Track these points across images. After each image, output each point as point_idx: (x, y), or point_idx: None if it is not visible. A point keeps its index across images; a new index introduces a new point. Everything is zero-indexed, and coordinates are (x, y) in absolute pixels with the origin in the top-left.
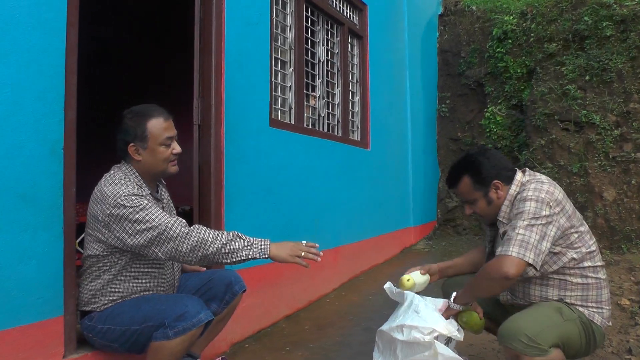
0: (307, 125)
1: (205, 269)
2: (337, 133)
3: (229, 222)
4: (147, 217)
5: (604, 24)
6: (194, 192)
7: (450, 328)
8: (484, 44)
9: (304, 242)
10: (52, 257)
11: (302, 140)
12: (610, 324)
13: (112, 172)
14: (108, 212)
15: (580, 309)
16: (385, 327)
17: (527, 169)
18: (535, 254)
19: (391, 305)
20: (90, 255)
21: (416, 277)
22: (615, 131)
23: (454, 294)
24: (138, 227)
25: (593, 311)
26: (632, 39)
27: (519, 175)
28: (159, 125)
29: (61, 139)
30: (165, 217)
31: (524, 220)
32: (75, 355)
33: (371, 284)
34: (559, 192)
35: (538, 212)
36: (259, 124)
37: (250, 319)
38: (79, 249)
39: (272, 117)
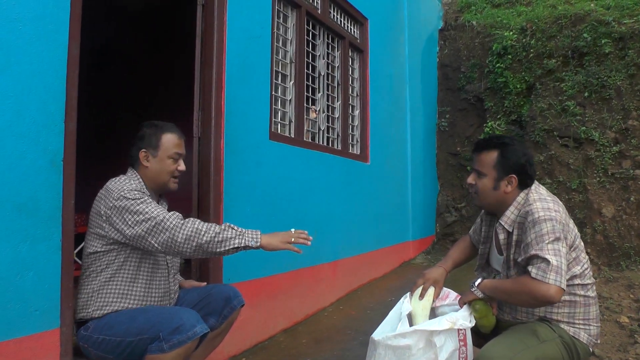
0: (307, 138)
1: (205, 283)
2: (337, 147)
3: None
4: (146, 209)
5: (603, 41)
6: (193, 204)
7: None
8: (483, 59)
9: (292, 229)
10: (50, 269)
11: (301, 154)
12: (599, 341)
13: (117, 176)
14: (111, 204)
15: (565, 326)
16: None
17: (536, 182)
18: (565, 280)
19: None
20: (90, 253)
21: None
22: (614, 148)
23: (479, 279)
24: (137, 218)
25: (579, 328)
26: (630, 57)
27: (533, 187)
28: (172, 139)
29: (61, 150)
30: (163, 210)
31: (547, 242)
32: None
33: (369, 298)
34: (562, 211)
35: (557, 230)
36: (259, 137)
37: (248, 332)
38: (77, 259)
39: (272, 130)
